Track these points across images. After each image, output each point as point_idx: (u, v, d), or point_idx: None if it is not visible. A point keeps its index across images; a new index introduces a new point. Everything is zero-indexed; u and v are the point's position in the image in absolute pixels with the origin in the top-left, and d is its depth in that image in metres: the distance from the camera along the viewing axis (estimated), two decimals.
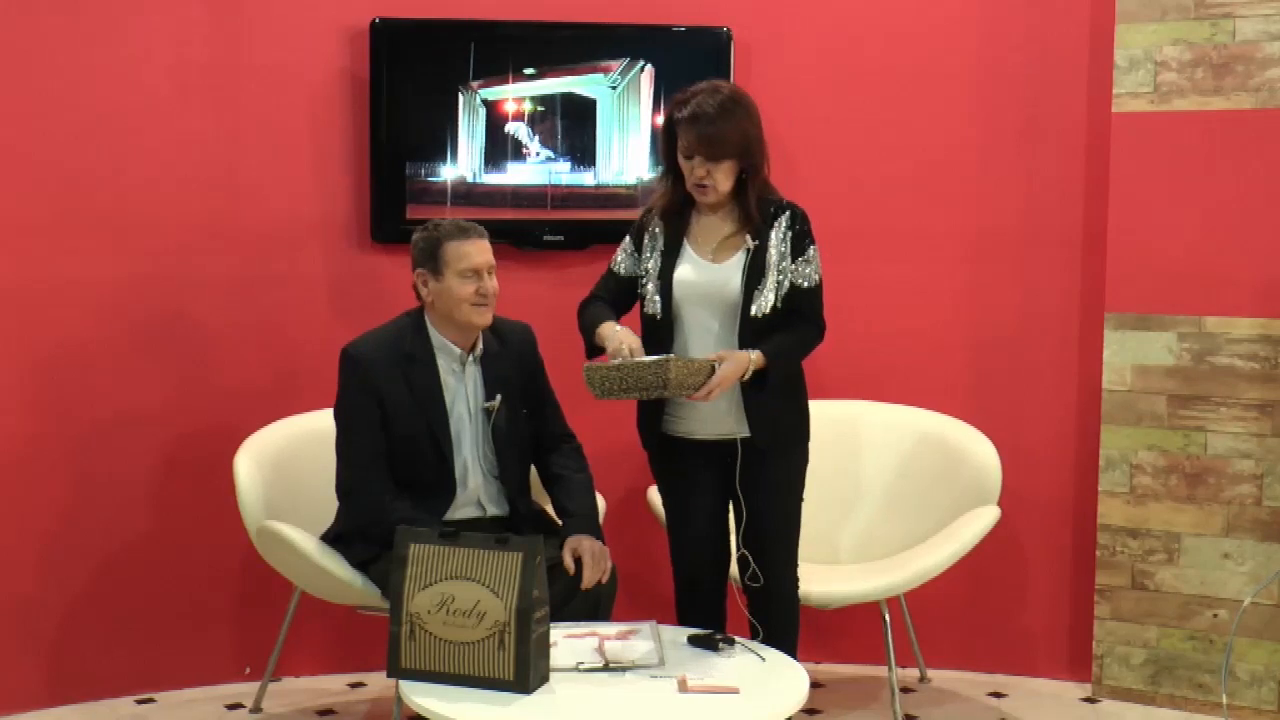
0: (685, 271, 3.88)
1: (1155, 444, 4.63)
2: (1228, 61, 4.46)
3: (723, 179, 3.81)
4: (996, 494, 4.48)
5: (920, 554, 4.43)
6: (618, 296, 3.99)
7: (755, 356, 3.78)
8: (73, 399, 4.56)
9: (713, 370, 3.72)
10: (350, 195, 4.77)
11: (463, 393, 4.02)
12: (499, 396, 4.02)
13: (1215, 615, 4.58)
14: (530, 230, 4.78)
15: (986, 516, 4.40)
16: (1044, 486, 4.86)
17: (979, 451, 4.58)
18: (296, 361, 4.74)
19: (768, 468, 3.91)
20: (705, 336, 3.87)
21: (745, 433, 3.88)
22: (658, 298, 3.88)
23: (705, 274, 3.87)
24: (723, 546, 4.04)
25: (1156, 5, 4.52)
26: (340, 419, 4.03)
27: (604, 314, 3.91)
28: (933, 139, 4.87)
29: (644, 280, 3.94)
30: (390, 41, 4.66)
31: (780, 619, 3.99)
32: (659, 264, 3.91)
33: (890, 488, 4.75)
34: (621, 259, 4.00)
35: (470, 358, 4.02)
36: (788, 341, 3.86)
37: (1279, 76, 4.39)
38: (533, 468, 4.21)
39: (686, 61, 4.74)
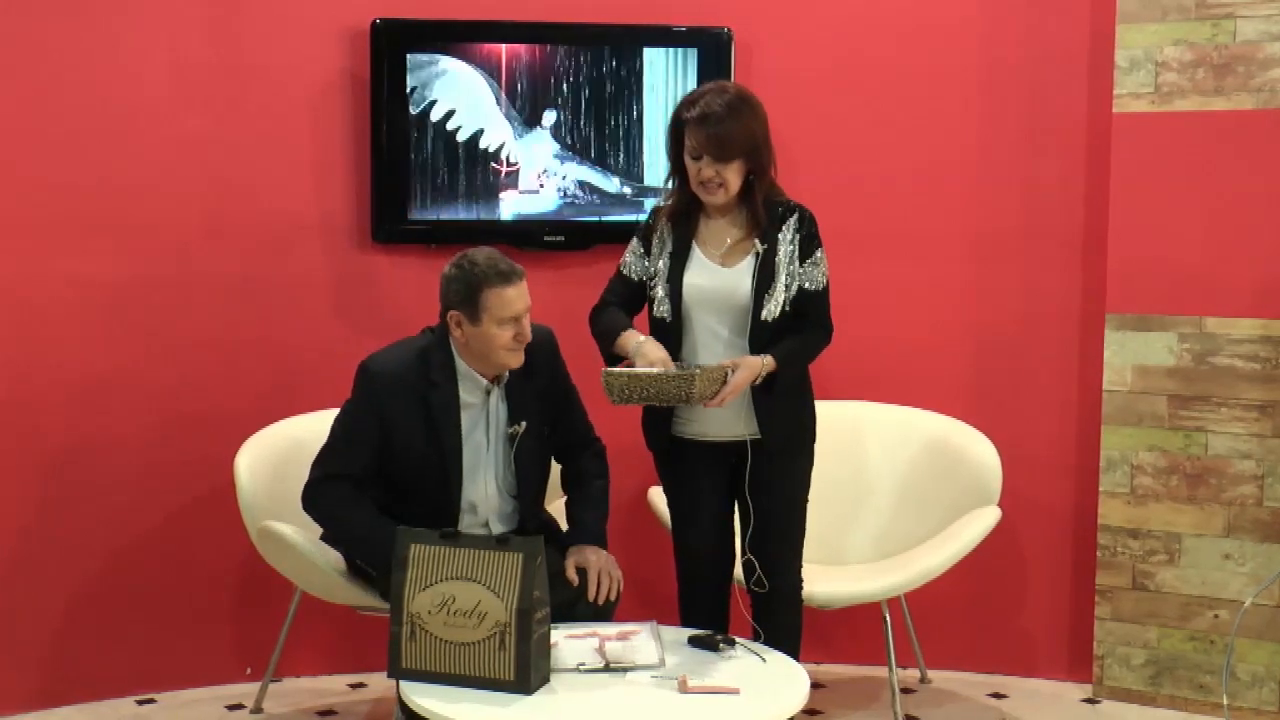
0: (695, 275, 3.87)
1: (1156, 444, 4.63)
2: (1229, 62, 4.46)
3: (732, 179, 3.81)
4: (997, 495, 4.49)
5: (921, 554, 4.44)
6: (629, 300, 3.98)
7: (767, 361, 3.80)
8: (72, 399, 4.56)
9: (726, 377, 3.72)
10: (351, 195, 4.77)
11: (483, 420, 3.92)
12: (524, 423, 3.92)
13: (1216, 616, 4.58)
14: (531, 231, 4.77)
15: (987, 517, 4.41)
16: (1045, 487, 4.87)
17: (980, 452, 4.58)
18: (297, 362, 4.74)
19: (776, 469, 3.92)
20: (714, 340, 3.87)
21: (755, 434, 3.88)
22: (667, 301, 3.88)
23: (715, 278, 3.86)
24: (727, 548, 4.04)
25: (1157, 6, 4.52)
26: (335, 425, 3.96)
27: (621, 320, 3.91)
28: (934, 140, 4.87)
29: (653, 283, 3.93)
30: (390, 41, 4.64)
31: (785, 620, 4.00)
32: (668, 267, 3.90)
33: (892, 488, 4.75)
34: (630, 261, 3.99)
35: (496, 386, 3.92)
36: (798, 345, 3.87)
37: (1279, 77, 4.40)
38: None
39: (687, 62, 4.74)
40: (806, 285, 3.86)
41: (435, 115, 4.65)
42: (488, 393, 3.92)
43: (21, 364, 4.49)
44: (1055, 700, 4.76)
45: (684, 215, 3.92)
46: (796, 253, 3.85)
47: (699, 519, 4.01)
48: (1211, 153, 4.50)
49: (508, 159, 4.71)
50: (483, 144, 4.67)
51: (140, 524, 4.67)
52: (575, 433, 4.11)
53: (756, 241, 3.84)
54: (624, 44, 4.75)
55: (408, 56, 4.62)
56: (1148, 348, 4.61)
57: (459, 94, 4.64)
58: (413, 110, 4.63)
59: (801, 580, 4.04)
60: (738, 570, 4.04)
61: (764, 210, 3.85)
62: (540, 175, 4.72)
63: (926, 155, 4.87)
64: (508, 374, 3.92)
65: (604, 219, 4.77)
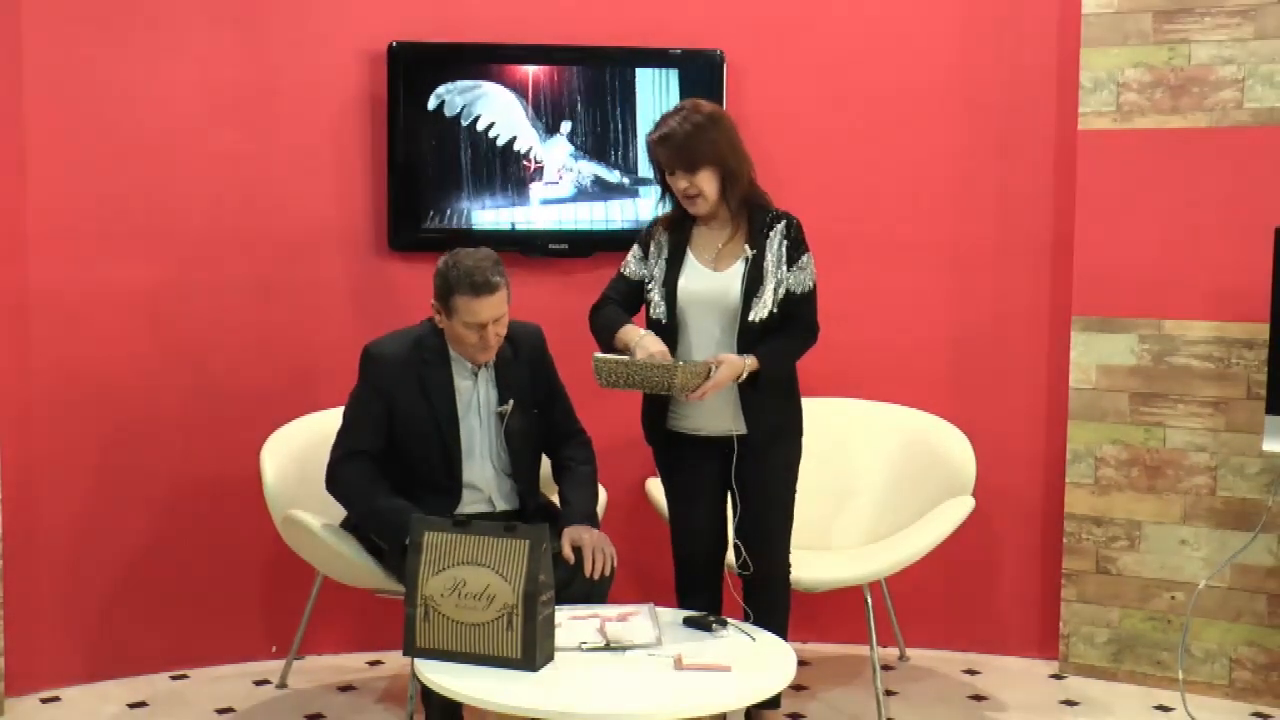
0: (688, 279, 3.91)
1: (1118, 438, 4.65)
2: (1184, 83, 4.49)
3: (706, 186, 3.84)
4: (971, 485, 4.50)
5: (900, 541, 4.45)
6: (628, 298, 4.02)
7: (750, 361, 3.81)
8: (111, 395, 4.59)
9: (709, 373, 3.76)
10: (369, 207, 4.79)
11: (475, 400, 4.01)
12: (511, 401, 4.01)
13: (1173, 597, 4.61)
14: (536, 239, 4.81)
15: (962, 506, 4.43)
16: (1015, 478, 4.88)
17: (955, 446, 4.60)
18: (319, 361, 4.76)
19: (763, 462, 3.94)
20: (707, 340, 3.89)
21: (743, 429, 3.91)
22: (663, 304, 3.91)
23: (707, 281, 3.89)
24: (720, 535, 4.06)
25: (1119, 31, 4.54)
26: (346, 409, 4.05)
27: (621, 317, 3.94)
28: (913, 155, 4.88)
29: (649, 286, 3.96)
30: (406, 63, 4.69)
31: (773, 602, 4.01)
32: (663, 271, 3.93)
33: (874, 480, 4.76)
34: (631, 263, 4.02)
35: (483, 368, 4.01)
36: (781, 346, 3.89)
37: (1231, 97, 4.42)
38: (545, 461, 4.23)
39: (683, 81, 4.78)
40: (793, 288, 3.88)
41: (480, 126, 4.71)
42: (475, 374, 4.00)
43: (68, 363, 4.53)
44: (1025, 676, 4.78)
45: (679, 224, 3.97)
46: (784, 258, 3.88)
47: (694, 508, 4.03)
48: (1169, 167, 4.52)
49: (535, 159, 4.76)
50: (516, 147, 4.73)
51: (174, 512, 4.70)
52: (562, 425, 4.17)
53: (746, 247, 3.87)
54: (627, 65, 4.79)
55: (457, 82, 4.69)
56: (1111, 348, 4.63)
57: (498, 110, 4.71)
58: (463, 123, 4.69)
59: (789, 565, 4.05)
60: (729, 556, 4.05)
61: (744, 212, 3.89)
62: (560, 171, 4.77)
63: (906, 169, 4.88)
64: (494, 357, 4.00)
65: (604, 228, 4.81)
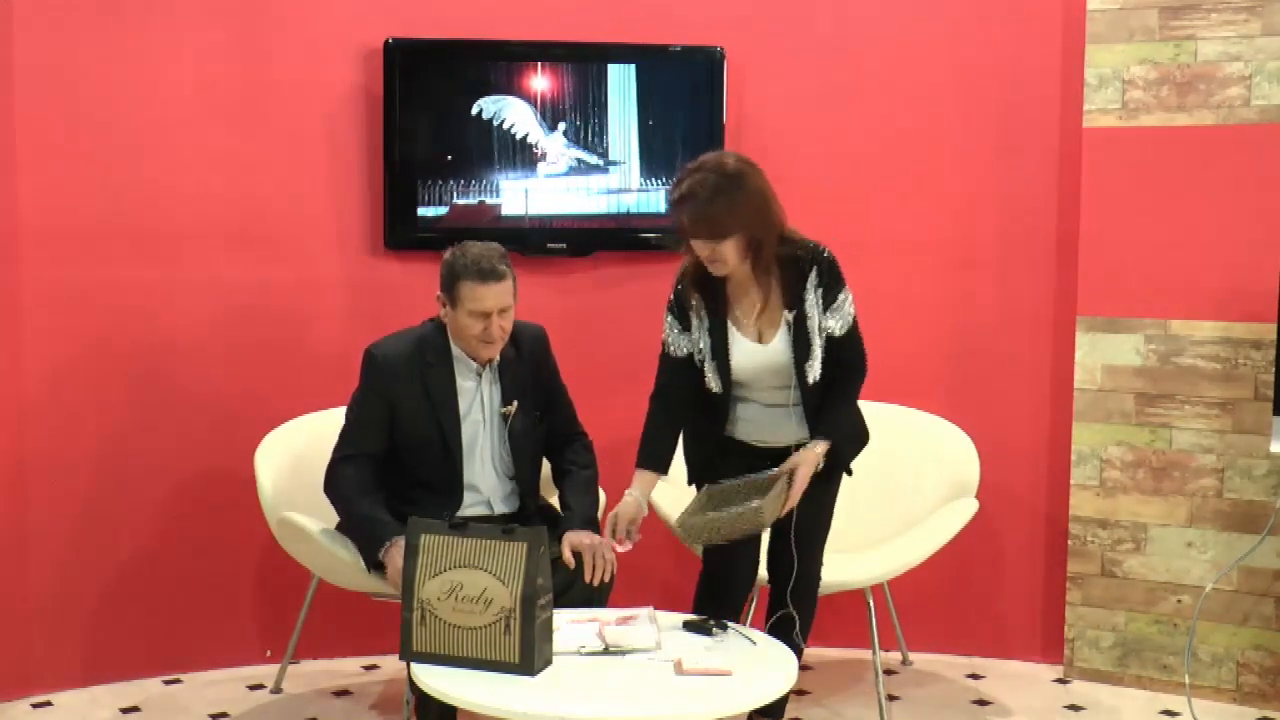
0: (738, 356, 3.77)
1: (1124, 440, 4.64)
2: (1190, 80, 4.48)
3: (730, 254, 3.63)
4: (975, 487, 4.50)
5: (903, 544, 4.43)
6: (681, 377, 3.85)
7: (820, 447, 3.74)
8: (104, 395, 4.57)
9: (790, 480, 3.70)
10: (365, 205, 4.77)
11: (479, 400, 3.99)
12: (515, 402, 4.00)
13: (1179, 601, 4.60)
14: (534, 238, 4.81)
15: (965, 509, 4.42)
16: (1020, 480, 4.87)
17: (958, 447, 4.60)
18: (314, 361, 4.74)
19: (830, 468, 3.87)
20: (764, 408, 3.83)
21: (804, 439, 3.82)
22: (716, 378, 3.79)
23: (756, 357, 3.77)
24: (755, 548, 3.96)
25: (1124, 27, 4.53)
26: (348, 411, 4.03)
27: (666, 439, 3.84)
28: (916, 154, 4.87)
29: (699, 358, 3.81)
30: (403, 59, 4.67)
31: (808, 605, 3.98)
32: (710, 347, 3.78)
33: (876, 481, 4.69)
34: (672, 340, 3.84)
35: (487, 369, 4.00)
36: (839, 409, 3.81)
37: (1238, 95, 4.41)
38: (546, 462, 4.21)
39: (683, 79, 4.79)
40: (835, 333, 3.77)
41: (505, 126, 4.77)
42: (479, 375, 3.98)
43: (55, 362, 4.51)
44: (1029, 680, 4.77)
45: (709, 284, 3.77)
46: (820, 305, 3.75)
47: None
48: (1175, 165, 4.51)
49: (539, 147, 4.80)
50: (528, 141, 4.80)
51: (168, 514, 4.68)
52: (563, 427, 4.16)
53: (785, 311, 3.74)
54: (624, 62, 4.80)
55: (493, 96, 4.79)
56: (1116, 348, 4.62)
57: (517, 115, 4.79)
58: (494, 124, 4.77)
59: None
60: (763, 570, 3.99)
61: (777, 272, 3.73)
62: (558, 155, 4.83)
63: (909, 167, 4.87)
64: (498, 358, 3.98)
65: (602, 227, 4.84)
